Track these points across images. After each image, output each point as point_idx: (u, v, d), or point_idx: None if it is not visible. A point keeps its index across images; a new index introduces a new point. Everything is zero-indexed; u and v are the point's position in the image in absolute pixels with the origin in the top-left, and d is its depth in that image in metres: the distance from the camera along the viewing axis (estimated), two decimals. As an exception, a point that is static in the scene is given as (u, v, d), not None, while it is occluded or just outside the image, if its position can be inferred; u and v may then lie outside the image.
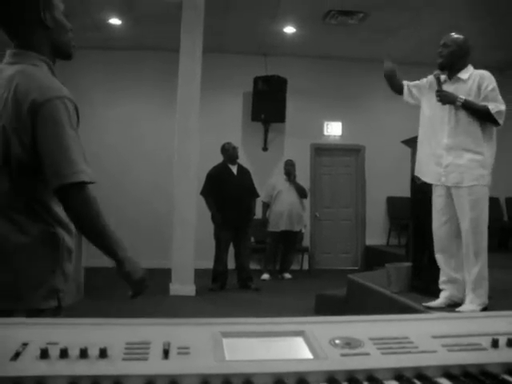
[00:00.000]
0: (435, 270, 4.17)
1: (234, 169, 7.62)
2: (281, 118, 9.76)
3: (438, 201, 4.02)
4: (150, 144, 9.64)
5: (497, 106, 3.75)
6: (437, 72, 3.97)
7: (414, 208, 5.07)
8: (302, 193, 8.77)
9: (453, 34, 4.04)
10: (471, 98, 3.82)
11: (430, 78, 4.09)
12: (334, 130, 10.36)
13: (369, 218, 10.34)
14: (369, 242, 10.25)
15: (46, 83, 1.73)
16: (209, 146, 8.29)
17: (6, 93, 1.71)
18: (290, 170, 8.75)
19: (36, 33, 1.80)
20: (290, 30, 8.86)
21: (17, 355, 0.82)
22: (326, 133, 10.35)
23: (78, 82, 8.54)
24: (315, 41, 9.22)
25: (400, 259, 6.08)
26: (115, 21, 8.49)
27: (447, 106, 3.89)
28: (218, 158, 7.67)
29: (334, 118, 10.29)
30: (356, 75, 10.09)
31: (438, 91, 3.89)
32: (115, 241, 1.83)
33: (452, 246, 3.98)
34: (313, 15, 8.09)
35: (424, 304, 4.05)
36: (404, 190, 5.99)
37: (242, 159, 8.20)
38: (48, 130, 1.68)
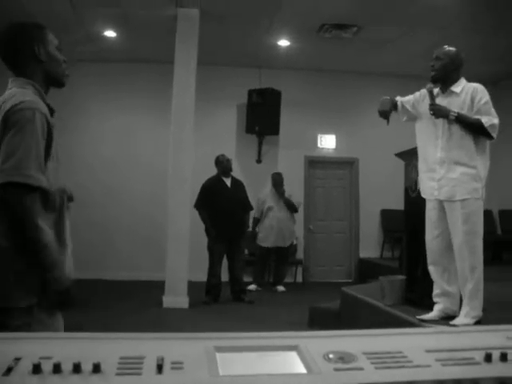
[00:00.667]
0: (429, 283, 4.17)
1: (228, 181, 7.61)
2: (275, 130, 9.78)
3: (430, 214, 4.03)
4: (145, 156, 9.64)
5: (490, 119, 3.75)
6: (429, 85, 3.97)
7: (407, 221, 5.08)
8: (291, 208, 8.74)
9: (445, 46, 4.05)
10: (464, 111, 3.82)
11: (423, 91, 4.10)
12: (327, 142, 10.38)
13: (362, 231, 10.35)
14: (362, 254, 10.25)
15: (23, 98, 1.91)
16: (203, 158, 8.29)
17: None
18: (277, 182, 8.68)
19: (30, 65, 2.04)
20: (284, 43, 8.89)
21: (9, 370, 0.81)
22: (319, 145, 10.37)
23: (72, 94, 8.53)
24: (309, 54, 9.26)
25: (394, 272, 6.08)
26: (110, 33, 8.50)
27: (440, 120, 3.89)
28: (212, 170, 7.67)
29: (327, 131, 10.32)
30: (350, 88, 10.14)
31: (431, 105, 3.89)
32: (45, 250, 1.83)
33: (445, 259, 3.99)
34: (307, 29, 8.13)
35: (418, 317, 4.05)
36: (398, 203, 6.00)
37: (236, 171, 8.20)
38: (10, 133, 1.83)
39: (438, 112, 3.85)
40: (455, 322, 3.81)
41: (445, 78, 3.97)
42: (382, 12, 7.36)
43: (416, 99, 4.19)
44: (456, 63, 3.97)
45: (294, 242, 9.27)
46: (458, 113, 3.78)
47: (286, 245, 8.76)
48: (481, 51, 8.33)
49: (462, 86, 3.92)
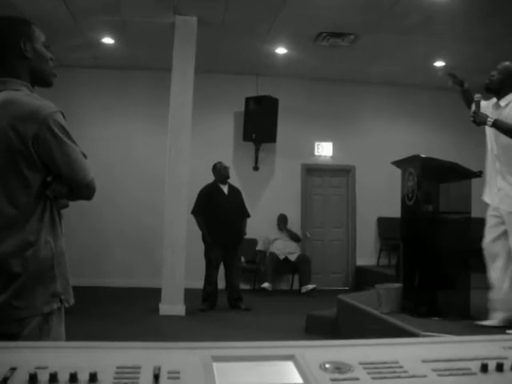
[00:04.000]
0: (425, 291, 4.17)
1: (225, 188, 7.61)
2: (272, 138, 9.78)
3: (490, 219, 4.14)
4: (142, 163, 9.62)
5: None
6: (477, 96, 4.11)
7: (403, 229, 5.09)
8: (295, 239, 9.53)
9: (507, 63, 4.17)
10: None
11: (484, 103, 4.22)
12: (324, 150, 10.38)
13: (359, 239, 10.34)
14: (359, 262, 10.24)
15: (50, 103, 1.94)
16: (200, 165, 8.29)
17: None
18: (280, 221, 9.56)
19: (16, 62, 1.95)
20: (281, 50, 8.91)
21: (5, 380, 0.81)
22: (316, 153, 10.38)
23: (70, 100, 8.55)
24: (306, 62, 9.28)
25: (390, 279, 6.09)
26: (108, 40, 8.51)
27: (492, 132, 4.05)
28: (209, 178, 7.67)
29: (324, 139, 10.33)
30: (347, 96, 10.16)
31: (473, 112, 4.04)
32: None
33: (504, 262, 4.03)
34: (304, 36, 8.14)
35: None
36: (394, 211, 6.00)
37: (233, 179, 8.20)
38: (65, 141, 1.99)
39: (477, 119, 4.01)
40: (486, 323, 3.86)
41: (497, 91, 4.14)
42: (379, 21, 7.39)
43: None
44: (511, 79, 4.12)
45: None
46: (495, 119, 3.92)
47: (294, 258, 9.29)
48: (473, 61, 8.35)
49: (508, 100, 4.07)
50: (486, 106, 4.23)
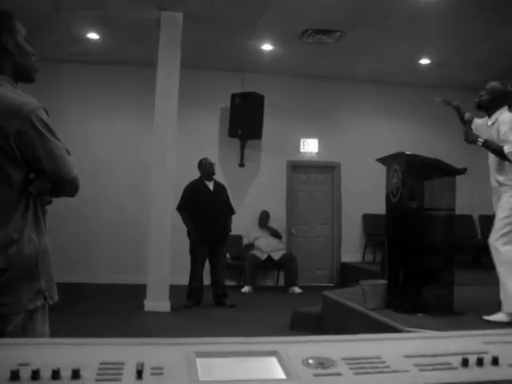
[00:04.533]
0: (410, 288, 4.20)
1: (211, 185, 7.60)
2: (257, 134, 9.78)
3: None
4: (128, 158, 9.57)
5: (510, 146, 4.03)
6: (468, 115, 4.41)
7: (388, 225, 5.11)
8: (276, 235, 9.53)
9: (495, 83, 4.32)
10: (495, 140, 4.13)
11: (477, 122, 4.46)
12: (310, 147, 10.41)
13: (344, 235, 10.38)
14: (344, 258, 10.28)
15: (32, 98, 1.92)
16: (185, 162, 8.27)
17: None
18: (262, 218, 9.66)
19: None
20: (267, 47, 8.91)
21: (-13, 377, 0.81)
22: (302, 150, 10.40)
23: (55, 95, 8.50)
24: (292, 58, 9.29)
25: (375, 276, 6.12)
26: (93, 35, 8.45)
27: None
28: (195, 174, 7.65)
29: (310, 135, 10.35)
30: (333, 93, 10.19)
31: (464, 131, 4.28)
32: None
33: None
34: (290, 33, 8.15)
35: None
36: (379, 208, 6.04)
37: (219, 175, 8.20)
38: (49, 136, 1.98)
39: (468, 137, 4.22)
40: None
41: (486, 110, 4.33)
42: (365, 18, 7.41)
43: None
44: (500, 99, 4.28)
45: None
46: (484, 140, 4.11)
47: (279, 256, 9.29)
48: (460, 58, 8.40)
49: (494, 118, 4.24)
50: (481, 124, 4.42)
